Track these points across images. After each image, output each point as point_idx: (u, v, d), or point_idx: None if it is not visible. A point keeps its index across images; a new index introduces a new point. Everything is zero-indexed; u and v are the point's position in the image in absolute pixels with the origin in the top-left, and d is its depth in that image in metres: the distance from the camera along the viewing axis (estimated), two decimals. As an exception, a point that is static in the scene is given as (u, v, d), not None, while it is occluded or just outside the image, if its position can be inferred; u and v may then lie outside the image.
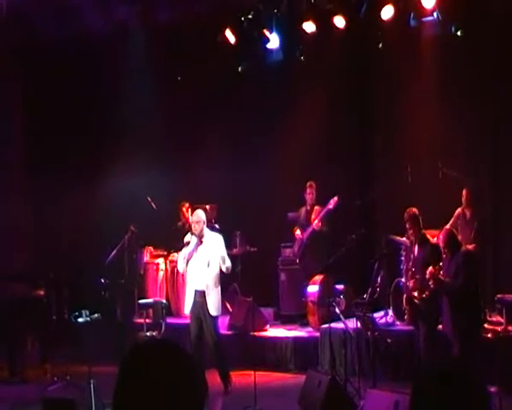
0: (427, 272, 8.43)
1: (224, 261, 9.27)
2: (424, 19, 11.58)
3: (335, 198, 11.19)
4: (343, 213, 11.36)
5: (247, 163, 12.81)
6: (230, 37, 12.58)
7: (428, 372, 1.94)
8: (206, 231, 9.36)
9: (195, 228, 9.23)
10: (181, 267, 9.49)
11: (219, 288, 9.40)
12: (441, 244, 8.50)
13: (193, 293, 9.26)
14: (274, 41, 12.45)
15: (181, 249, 9.51)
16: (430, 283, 8.41)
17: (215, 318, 9.32)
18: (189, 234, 9.36)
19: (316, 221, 11.38)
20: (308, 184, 11.70)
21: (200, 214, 9.35)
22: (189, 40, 12.75)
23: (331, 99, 12.37)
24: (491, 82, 11.34)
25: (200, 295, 9.19)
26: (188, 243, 9.24)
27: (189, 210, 12.44)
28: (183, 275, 10.18)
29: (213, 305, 9.21)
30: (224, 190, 12.58)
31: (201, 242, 9.22)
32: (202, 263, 9.20)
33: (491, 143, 11.51)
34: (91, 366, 9.01)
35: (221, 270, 9.36)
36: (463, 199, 10.39)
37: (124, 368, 1.84)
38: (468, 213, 10.30)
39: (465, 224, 10.02)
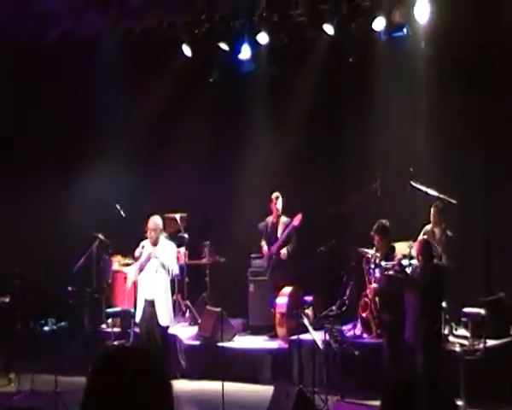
0: (395, 259, 8.68)
1: (164, 267, 9.12)
2: (394, 34, 11.74)
3: (299, 215, 11.23)
4: (313, 225, 11.41)
5: (218, 173, 12.82)
6: (202, 46, 12.61)
7: (394, 384, 1.96)
8: (161, 239, 9.27)
9: (151, 235, 9.12)
10: (133, 276, 9.38)
11: (169, 296, 9.30)
12: (416, 251, 8.72)
13: (143, 302, 9.15)
14: (245, 52, 12.51)
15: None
16: (396, 267, 8.62)
17: (165, 327, 9.20)
18: (144, 241, 9.24)
19: (283, 251, 11.40)
20: (274, 195, 11.70)
21: (157, 221, 9.24)
22: (161, 48, 12.74)
23: (302, 111, 12.43)
24: (463, 97, 11.49)
25: (150, 305, 9.07)
26: (139, 255, 9.15)
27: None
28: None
29: (163, 314, 9.09)
30: (194, 199, 12.54)
31: (154, 250, 9.13)
32: (151, 271, 9.11)
33: (461, 159, 11.65)
34: (57, 375, 8.93)
35: (174, 278, 9.36)
36: (432, 217, 10.50)
37: (94, 372, 1.83)
38: (437, 232, 10.40)
39: (435, 242, 10.10)
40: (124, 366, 1.83)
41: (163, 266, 9.13)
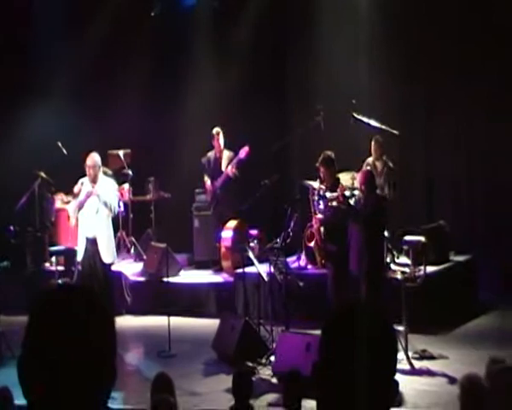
0: (338, 188, 8.77)
1: (106, 205, 8.93)
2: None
3: (246, 148, 11.09)
4: (257, 159, 11.37)
5: (161, 109, 12.66)
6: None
7: (336, 312, 1.96)
8: (100, 177, 9.08)
9: (90, 173, 8.90)
10: (72, 216, 9.18)
11: (111, 233, 9.15)
12: (359, 182, 8.76)
13: (84, 241, 9.00)
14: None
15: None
16: (339, 198, 8.68)
17: (108, 265, 9.07)
18: (83, 178, 9.04)
19: (230, 167, 11.30)
20: (215, 131, 11.51)
21: (95, 158, 8.99)
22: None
23: (245, 44, 12.29)
24: (406, 28, 11.49)
25: (92, 243, 8.92)
26: (79, 192, 8.94)
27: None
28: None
29: (106, 251, 8.95)
30: (138, 135, 12.40)
31: (94, 187, 8.94)
32: (92, 209, 8.94)
33: (403, 91, 11.70)
34: (0, 314, 8.84)
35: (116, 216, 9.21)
36: (372, 150, 10.55)
37: (35, 310, 1.78)
38: (378, 165, 10.48)
39: (377, 174, 10.17)
40: (65, 303, 1.78)
41: (104, 204, 8.98)
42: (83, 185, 8.96)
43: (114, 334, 1.79)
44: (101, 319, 1.79)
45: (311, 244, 10.15)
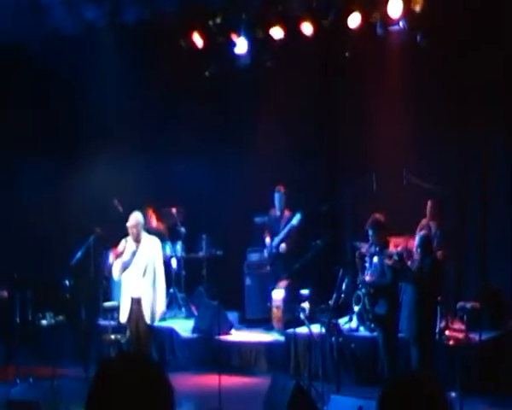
0: (395, 251, 8.79)
1: (155, 268, 8.94)
2: (391, 27, 11.74)
3: (298, 216, 11.25)
4: (309, 219, 11.43)
5: (214, 166, 12.83)
6: (198, 40, 12.59)
7: (391, 385, 2.00)
8: (144, 236, 9.05)
9: (133, 232, 8.88)
10: (116, 276, 9.15)
11: (156, 294, 9.01)
12: (415, 243, 8.71)
13: (129, 301, 8.96)
14: (242, 46, 12.51)
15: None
16: (394, 258, 8.64)
17: (150, 326, 9.03)
18: (126, 239, 9.00)
19: (282, 245, 11.48)
20: (277, 188, 11.72)
21: (137, 217, 8.99)
22: (158, 42, 12.72)
23: (298, 104, 12.44)
24: (457, 91, 11.52)
25: (137, 303, 8.89)
26: (123, 250, 8.92)
27: (153, 215, 12.42)
28: None
29: (148, 313, 8.90)
30: (191, 192, 12.57)
31: (137, 247, 8.94)
32: (138, 270, 8.90)
33: (456, 153, 11.70)
34: (55, 367, 8.99)
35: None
36: (428, 211, 10.52)
37: (93, 388, 1.88)
38: (433, 227, 10.43)
39: (431, 236, 10.12)
40: (123, 374, 1.88)
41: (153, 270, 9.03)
42: (127, 244, 9.01)
43: (171, 399, 1.88)
44: (159, 386, 1.87)
45: (357, 308, 10.01)
